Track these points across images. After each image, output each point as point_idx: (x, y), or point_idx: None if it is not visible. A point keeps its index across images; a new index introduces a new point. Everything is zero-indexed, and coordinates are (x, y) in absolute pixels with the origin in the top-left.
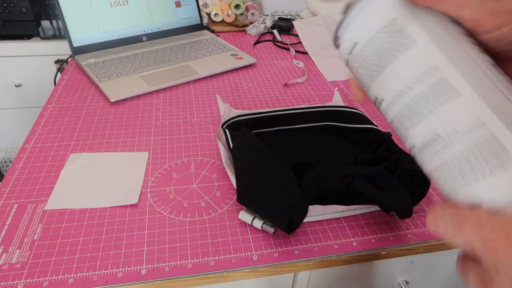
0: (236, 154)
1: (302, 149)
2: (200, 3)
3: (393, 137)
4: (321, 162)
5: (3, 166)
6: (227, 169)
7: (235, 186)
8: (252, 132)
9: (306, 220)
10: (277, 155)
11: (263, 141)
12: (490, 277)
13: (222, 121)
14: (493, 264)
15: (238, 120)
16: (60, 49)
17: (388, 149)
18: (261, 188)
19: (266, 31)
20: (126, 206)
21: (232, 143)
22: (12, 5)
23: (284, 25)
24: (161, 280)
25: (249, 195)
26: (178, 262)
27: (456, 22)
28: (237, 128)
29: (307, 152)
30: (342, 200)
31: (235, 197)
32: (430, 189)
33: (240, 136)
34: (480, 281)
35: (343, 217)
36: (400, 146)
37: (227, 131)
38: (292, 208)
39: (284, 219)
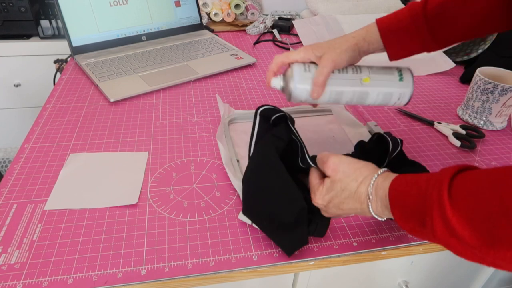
0: (252, 165)
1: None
2: (200, 2)
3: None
4: None
5: (2, 166)
6: (227, 169)
7: (239, 193)
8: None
9: None
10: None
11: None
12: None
13: (222, 120)
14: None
15: (275, 109)
16: (60, 49)
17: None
18: (270, 214)
19: (266, 30)
20: (125, 206)
21: (258, 133)
22: (11, 4)
23: (284, 25)
24: (161, 280)
25: (255, 213)
26: (178, 262)
27: None
28: (268, 116)
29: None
30: None
31: (235, 197)
32: None
33: (261, 148)
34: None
35: (343, 217)
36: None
37: (258, 118)
38: (297, 249)
39: (288, 251)
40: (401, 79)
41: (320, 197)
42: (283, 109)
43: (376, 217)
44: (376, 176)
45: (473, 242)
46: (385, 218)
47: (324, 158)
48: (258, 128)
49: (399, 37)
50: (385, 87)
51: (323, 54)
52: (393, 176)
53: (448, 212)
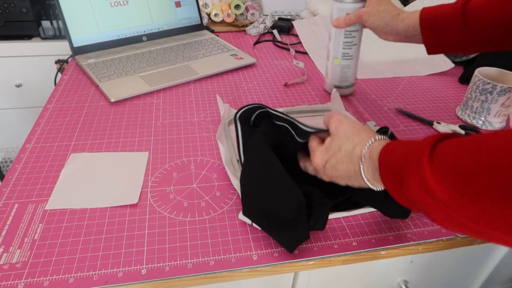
0: (246, 164)
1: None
2: (200, 3)
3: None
4: None
5: (3, 166)
6: (227, 169)
7: (238, 192)
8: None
9: None
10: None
11: (268, 128)
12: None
13: (223, 120)
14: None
15: (252, 108)
16: (61, 49)
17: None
18: (269, 212)
19: (266, 31)
20: (126, 206)
21: (243, 138)
22: (12, 5)
23: (284, 25)
24: (161, 280)
25: (255, 213)
26: (178, 262)
27: None
28: (248, 117)
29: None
30: (343, 207)
31: (235, 197)
32: None
33: (253, 144)
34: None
35: (343, 217)
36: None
37: (238, 124)
38: (298, 244)
39: (290, 248)
40: None
41: (320, 156)
42: (281, 109)
43: (367, 182)
44: (373, 140)
45: (443, 196)
46: (378, 189)
47: (331, 115)
48: (242, 133)
49: (436, 28)
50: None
51: (368, 19)
52: (389, 141)
53: (426, 169)
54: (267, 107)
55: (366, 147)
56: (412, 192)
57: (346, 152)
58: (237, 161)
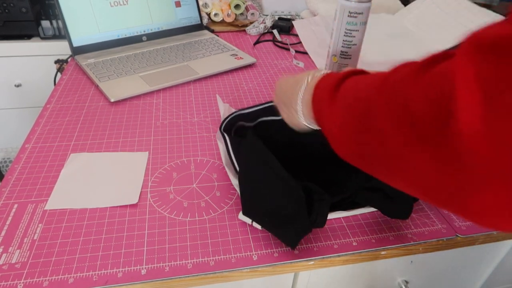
0: (243, 165)
1: (299, 140)
2: (200, 3)
3: None
4: (319, 156)
5: (3, 166)
6: (227, 169)
7: (238, 192)
8: (247, 122)
9: None
10: (285, 162)
11: (258, 132)
12: None
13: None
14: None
15: (233, 117)
16: (60, 49)
17: None
18: (269, 209)
19: (266, 31)
20: (126, 206)
21: (233, 149)
22: (12, 5)
23: (284, 25)
24: (161, 280)
25: (255, 212)
26: (178, 262)
27: None
28: (232, 126)
29: (303, 144)
30: (343, 207)
31: (235, 197)
32: None
33: (247, 144)
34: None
35: (343, 217)
36: None
37: (226, 136)
38: (300, 238)
39: (291, 244)
40: None
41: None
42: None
43: (299, 109)
44: (322, 72)
45: (331, 126)
46: (310, 127)
47: None
48: (231, 144)
49: None
50: None
51: None
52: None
53: (325, 98)
54: (240, 110)
55: (311, 74)
56: (316, 115)
57: (295, 79)
58: (233, 168)
